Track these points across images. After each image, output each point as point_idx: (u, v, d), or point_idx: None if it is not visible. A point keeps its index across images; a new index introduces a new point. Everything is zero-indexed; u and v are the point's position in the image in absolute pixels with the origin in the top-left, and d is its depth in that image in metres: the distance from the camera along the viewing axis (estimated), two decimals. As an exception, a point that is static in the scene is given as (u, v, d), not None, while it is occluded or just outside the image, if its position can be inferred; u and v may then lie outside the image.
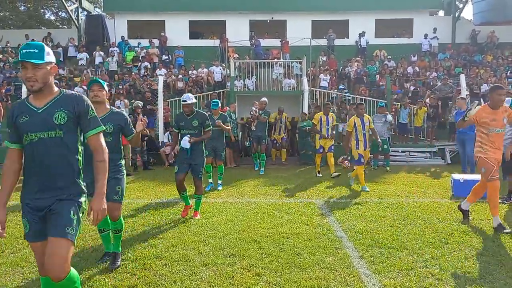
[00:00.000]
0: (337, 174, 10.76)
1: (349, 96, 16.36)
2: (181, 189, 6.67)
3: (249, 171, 11.96)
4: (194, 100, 6.72)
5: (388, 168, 12.07)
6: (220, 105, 9.15)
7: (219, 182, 9.33)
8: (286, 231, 5.76)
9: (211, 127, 6.85)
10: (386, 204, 7.50)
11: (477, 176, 8.55)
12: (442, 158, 13.69)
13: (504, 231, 5.64)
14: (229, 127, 9.46)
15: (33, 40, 20.90)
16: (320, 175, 11.10)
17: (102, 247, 5.14)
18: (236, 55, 19.02)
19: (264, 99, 11.91)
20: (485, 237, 5.50)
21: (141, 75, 18.44)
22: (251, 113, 12.42)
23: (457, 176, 8.51)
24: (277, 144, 13.38)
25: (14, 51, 20.73)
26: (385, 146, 12.33)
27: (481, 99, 15.81)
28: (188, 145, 6.42)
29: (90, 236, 5.64)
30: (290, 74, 17.61)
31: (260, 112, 11.68)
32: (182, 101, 6.61)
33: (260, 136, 11.86)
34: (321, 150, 11.26)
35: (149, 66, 19.14)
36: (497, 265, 4.53)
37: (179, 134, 6.81)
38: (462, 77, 14.91)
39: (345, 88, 17.32)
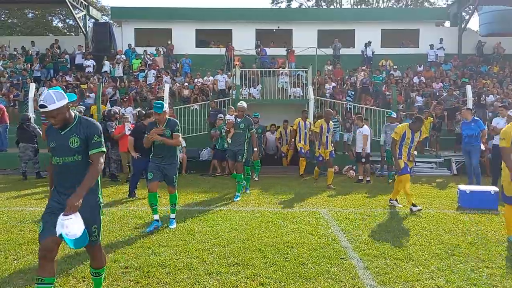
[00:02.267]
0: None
1: (350, 105, 16.34)
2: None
3: (253, 180, 11.91)
4: (63, 103, 3.37)
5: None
6: (164, 108, 6.36)
7: (172, 216, 6.64)
8: (290, 241, 5.73)
9: (103, 149, 3.52)
10: (392, 215, 7.45)
11: (483, 188, 8.52)
12: (448, 168, 13.61)
13: None
14: (174, 141, 6.41)
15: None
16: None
17: (108, 254, 5.14)
18: (241, 64, 19.12)
19: (243, 104, 9.20)
20: (491, 249, 5.45)
21: (148, 83, 18.52)
22: (226, 121, 10.02)
23: (463, 187, 8.46)
24: (321, 160, 11.00)
25: (22, 57, 20.92)
26: None
27: (486, 110, 15.81)
28: (74, 233, 3.25)
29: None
30: (296, 83, 17.63)
31: (239, 120, 9.02)
32: (39, 106, 3.37)
33: (236, 152, 8.94)
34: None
35: (155, 74, 19.22)
36: (503, 277, 4.48)
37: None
38: (469, 87, 14.87)
39: (351, 96, 17.32)
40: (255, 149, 9.19)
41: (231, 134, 9.10)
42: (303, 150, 12.36)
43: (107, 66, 20.01)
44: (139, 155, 8.72)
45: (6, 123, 14.29)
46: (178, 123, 6.59)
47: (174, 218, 6.64)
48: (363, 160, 11.65)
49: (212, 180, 11.65)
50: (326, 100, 16.39)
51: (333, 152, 11.12)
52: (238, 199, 8.83)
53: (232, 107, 10.15)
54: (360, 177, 11.61)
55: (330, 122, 10.84)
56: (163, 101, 14.41)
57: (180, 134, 6.57)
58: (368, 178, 11.64)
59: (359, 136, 11.78)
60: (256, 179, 11.50)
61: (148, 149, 8.09)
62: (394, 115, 12.14)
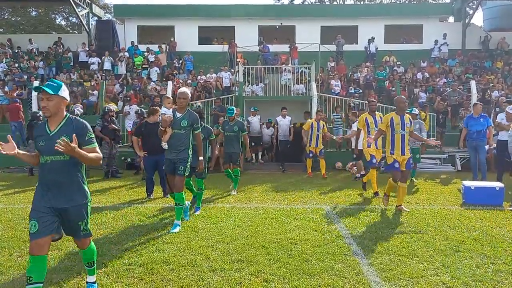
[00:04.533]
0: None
1: (354, 101, 16.29)
2: None
3: (256, 177, 11.92)
4: None
5: (414, 179, 10.99)
6: (61, 91, 3.57)
7: (91, 280, 4.06)
8: (294, 237, 5.72)
9: None
10: (396, 211, 7.42)
11: (488, 183, 8.47)
12: (452, 165, 13.56)
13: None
14: (87, 156, 3.51)
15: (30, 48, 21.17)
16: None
17: (108, 251, 5.15)
18: (245, 60, 19.11)
19: (184, 90, 6.44)
20: (496, 245, 5.41)
21: (152, 80, 18.53)
22: (160, 117, 6.60)
23: (468, 183, 8.41)
24: (397, 168, 7.46)
25: (24, 56, 20.96)
26: (417, 156, 10.95)
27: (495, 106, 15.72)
28: None
29: (97, 241, 5.63)
30: (299, 79, 17.59)
31: (179, 115, 6.29)
32: None
33: (176, 161, 6.29)
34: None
35: (158, 71, 19.23)
36: (509, 274, 4.45)
37: None
38: (473, 83, 14.78)
39: (356, 93, 17.27)
40: (201, 158, 6.52)
41: (168, 135, 6.30)
42: (374, 159, 8.87)
43: (107, 63, 19.98)
44: (145, 153, 8.68)
45: (20, 120, 14.56)
46: (89, 127, 3.68)
47: (94, 283, 4.05)
48: (354, 156, 11.50)
49: (215, 177, 11.63)
50: (330, 97, 16.35)
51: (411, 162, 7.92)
52: (177, 229, 6.10)
53: (169, 97, 6.63)
54: (357, 174, 11.43)
55: (406, 115, 7.54)
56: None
57: (96, 147, 3.66)
58: (358, 175, 11.31)
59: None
60: (233, 192, 9.26)
61: (155, 146, 7.65)
62: (416, 111, 11.63)
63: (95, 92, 17.08)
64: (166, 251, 5.16)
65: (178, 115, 6.29)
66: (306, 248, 5.24)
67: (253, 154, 14.62)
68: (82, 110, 12.44)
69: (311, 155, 12.09)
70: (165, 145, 6.35)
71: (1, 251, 5.18)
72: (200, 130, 6.43)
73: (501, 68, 20.21)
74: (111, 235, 5.87)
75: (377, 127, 8.13)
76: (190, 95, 6.60)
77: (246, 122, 13.85)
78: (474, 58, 21.36)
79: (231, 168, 9.45)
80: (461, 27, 22.75)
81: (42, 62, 20.21)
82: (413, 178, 10.95)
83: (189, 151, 6.32)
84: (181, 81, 18.38)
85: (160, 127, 6.32)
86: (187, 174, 6.34)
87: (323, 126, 12.11)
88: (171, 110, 6.29)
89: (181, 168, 6.22)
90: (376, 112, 9.02)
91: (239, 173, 9.54)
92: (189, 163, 6.32)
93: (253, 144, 14.40)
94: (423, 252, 5.13)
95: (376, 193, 8.79)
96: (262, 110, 15.11)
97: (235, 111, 9.51)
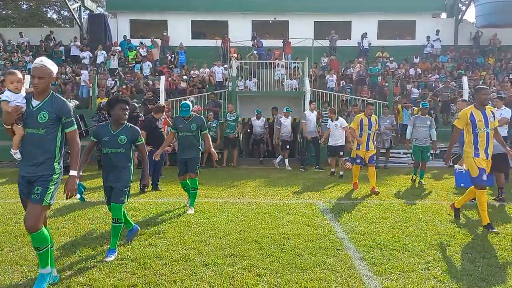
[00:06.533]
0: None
1: (347, 97, 16.31)
2: None
3: (250, 172, 11.92)
4: None
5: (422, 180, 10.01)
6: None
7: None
8: (287, 232, 5.74)
9: None
10: (388, 206, 7.47)
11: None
12: (444, 160, 13.61)
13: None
14: None
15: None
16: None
17: (101, 246, 5.14)
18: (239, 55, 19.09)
19: (42, 63, 3.80)
20: (487, 239, 5.47)
21: (144, 75, 18.43)
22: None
23: (460, 167, 8.65)
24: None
25: (16, 50, 20.75)
26: (428, 154, 10.41)
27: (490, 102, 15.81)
28: None
29: (90, 235, 5.61)
30: (292, 75, 17.58)
31: (35, 103, 3.85)
32: None
33: (33, 179, 3.83)
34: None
35: (151, 66, 19.14)
36: (499, 268, 4.50)
37: None
38: (465, 79, 14.85)
39: (349, 88, 17.32)
40: (73, 172, 3.94)
41: (18, 137, 3.89)
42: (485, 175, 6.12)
43: (101, 56, 19.85)
44: (152, 148, 8.56)
45: None
46: None
47: None
48: (341, 153, 11.51)
49: (208, 172, 11.63)
50: (323, 92, 16.35)
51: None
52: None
53: (15, 72, 3.91)
54: (332, 170, 11.42)
55: (488, 108, 6.21)
56: (159, 93, 14.39)
57: None
58: (341, 172, 11.19)
59: (334, 130, 11.51)
60: (190, 211, 6.91)
61: (160, 141, 7.62)
62: (427, 105, 10.80)
63: (84, 72, 17.09)
64: (158, 245, 5.16)
65: (35, 103, 3.87)
66: (299, 243, 5.27)
67: (286, 160, 13.00)
68: (77, 102, 12.43)
69: (358, 160, 9.24)
70: (16, 154, 3.91)
71: (-8, 246, 5.15)
72: (74, 127, 3.97)
73: (492, 64, 20.34)
74: (103, 230, 5.86)
75: (488, 126, 6.07)
76: (55, 70, 3.96)
77: (277, 124, 13.26)
78: (466, 54, 21.48)
79: (188, 178, 7.25)
80: (453, 23, 22.85)
81: (30, 56, 20.00)
82: (421, 180, 9.90)
83: (57, 163, 3.93)
84: (178, 75, 18.33)
85: (4, 123, 3.88)
86: (50, 202, 3.84)
87: (376, 122, 9.34)
88: (21, 95, 3.84)
89: (37, 190, 3.77)
90: (487, 107, 6.28)
91: (197, 185, 7.18)
92: (53, 185, 3.87)
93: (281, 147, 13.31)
94: (414, 246, 5.17)
95: (489, 226, 5.93)
96: (254, 105, 15.08)
97: (191, 108, 7.19)
